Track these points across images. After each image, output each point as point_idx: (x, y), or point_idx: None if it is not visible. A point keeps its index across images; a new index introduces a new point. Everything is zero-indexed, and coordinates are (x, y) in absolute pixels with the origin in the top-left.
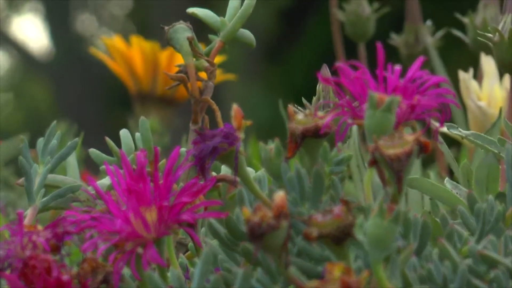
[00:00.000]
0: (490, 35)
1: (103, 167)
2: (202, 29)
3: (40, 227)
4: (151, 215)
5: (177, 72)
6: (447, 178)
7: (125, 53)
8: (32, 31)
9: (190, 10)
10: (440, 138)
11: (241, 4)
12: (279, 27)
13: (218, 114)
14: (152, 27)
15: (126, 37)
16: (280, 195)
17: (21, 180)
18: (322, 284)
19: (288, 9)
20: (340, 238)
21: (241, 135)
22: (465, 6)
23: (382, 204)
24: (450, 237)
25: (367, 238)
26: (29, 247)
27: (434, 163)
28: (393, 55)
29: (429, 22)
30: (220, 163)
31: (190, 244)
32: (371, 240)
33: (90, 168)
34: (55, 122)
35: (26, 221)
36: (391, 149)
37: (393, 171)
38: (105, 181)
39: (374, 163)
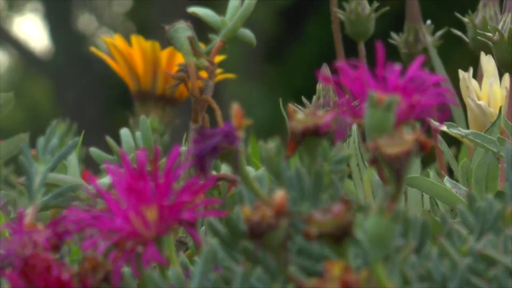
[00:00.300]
0: (490, 34)
1: (103, 166)
2: (202, 29)
3: (40, 226)
4: (151, 214)
5: (178, 71)
6: (446, 177)
7: (125, 52)
8: (32, 31)
9: (191, 9)
10: (440, 137)
11: (242, 4)
12: (279, 26)
13: (218, 113)
14: (152, 26)
15: (126, 36)
16: (280, 194)
17: (23, 179)
18: (322, 283)
19: (288, 8)
20: (340, 237)
21: (241, 134)
22: (465, 5)
23: (382, 203)
24: (450, 236)
25: (366, 237)
26: (29, 246)
27: (434, 162)
28: (393, 54)
29: (429, 22)
30: (220, 161)
31: (191, 243)
32: (370, 239)
33: (89, 167)
34: (56, 121)
35: (26, 220)
36: (391, 148)
37: (392, 170)
38: (106, 180)
39: (374, 162)
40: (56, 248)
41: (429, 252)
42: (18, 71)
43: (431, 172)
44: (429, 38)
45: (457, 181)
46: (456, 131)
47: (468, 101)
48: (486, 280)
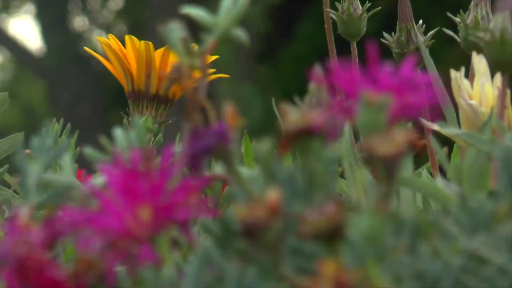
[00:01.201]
0: (481, 34)
1: (98, 165)
2: (196, 28)
3: (35, 226)
4: (145, 214)
5: (171, 72)
6: (438, 176)
7: (119, 52)
8: (27, 31)
9: (184, 10)
10: (432, 137)
11: (235, 4)
12: (272, 26)
13: (212, 113)
14: (146, 26)
15: (120, 36)
16: (273, 194)
17: (18, 178)
18: (315, 282)
19: (280, 8)
20: (332, 237)
21: (234, 134)
22: (457, 5)
23: (375, 203)
24: (442, 235)
25: (359, 237)
26: (24, 246)
27: (427, 162)
28: (385, 53)
29: (421, 21)
30: (214, 161)
31: (184, 242)
32: (363, 239)
33: (83, 166)
34: (54, 120)
35: (21, 220)
36: (383, 148)
37: (385, 170)
38: (100, 180)
39: (367, 162)
40: (50, 248)
41: (421, 252)
42: (13, 71)
43: (424, 172)
44: (421, 38)
45: (449, 180)
46: (448, 131)
47: (460, 100)
48: (478, 279)
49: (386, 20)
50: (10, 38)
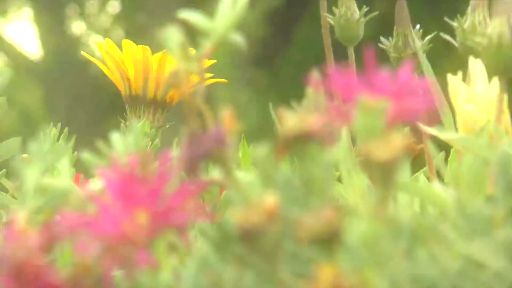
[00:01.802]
0: (478, 39)
1: (95, 170)
2: (194, 33)
3: (32, 231)
4: (142, 218)
5: (169, 76)
6: (436, 181)
7: (116, 56)
8: (25, 36)
9: (182, 15)
10: (429, 141)
11: (232, 8)
12: (269, 30)
13: (209, 117)
14: (143, 30)
15: (118, 40)
16: (271, 198)
17: (16, 183)
18: (313, 286)
19: (277, 12)
20: (330, 242)
21: (232, 138)
22: (455, 10)
23: (372, 207)
24: (439, 240)
25: (357, 241)
26: (21, 250)
27: (424, 166)
28: (383, 58)
29: (418, 26)
30: (211, 165)
31: (182, 246)
32: (361, 244)
33: (81, 171)
34: (51, 125)
35: (19, 225)
36: (381, 153)
37: (382, 175)
38: (97, 184)
39: (364, 166)
40: (48, 252)
41: (418, 256)
42: (10, 75)
43: (421, 176)
44: (419, 43)
45: (447, 185)
46: (446, 135)
47: (457, 105)
48: (476, 284)
49: (384, 24)
50: (7, 42)
